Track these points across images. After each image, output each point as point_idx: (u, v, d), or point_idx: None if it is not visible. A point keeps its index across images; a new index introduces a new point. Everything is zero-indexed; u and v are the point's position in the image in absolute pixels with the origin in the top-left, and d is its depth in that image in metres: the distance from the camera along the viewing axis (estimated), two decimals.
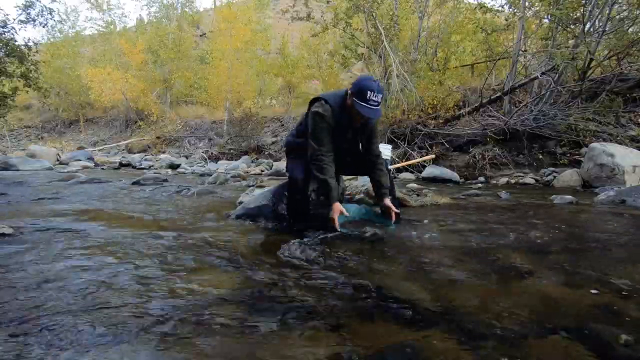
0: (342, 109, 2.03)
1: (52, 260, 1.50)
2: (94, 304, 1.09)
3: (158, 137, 14.84)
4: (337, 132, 2.06)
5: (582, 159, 5.83)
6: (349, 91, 1.99)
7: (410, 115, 8.39)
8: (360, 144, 2.23)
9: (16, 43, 9.87)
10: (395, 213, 2.15)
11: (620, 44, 6.79)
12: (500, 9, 8.57)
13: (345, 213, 2.04)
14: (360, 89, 1.90)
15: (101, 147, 15.19)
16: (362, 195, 3.03)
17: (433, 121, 8.22)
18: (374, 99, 1.89)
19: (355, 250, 1.74)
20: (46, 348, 0.85)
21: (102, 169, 8.84)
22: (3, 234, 1.84)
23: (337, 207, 1.99)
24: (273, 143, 12.16)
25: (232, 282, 1.32)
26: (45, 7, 10.27)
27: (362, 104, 1.90)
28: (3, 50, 9.60)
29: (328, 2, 10.83)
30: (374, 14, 8.71)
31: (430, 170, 6.61)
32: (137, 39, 19.24)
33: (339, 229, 1.97)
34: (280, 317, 1.05)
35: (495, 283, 1.32)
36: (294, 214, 2.26)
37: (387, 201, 2.14)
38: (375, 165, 2.20)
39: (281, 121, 13.64)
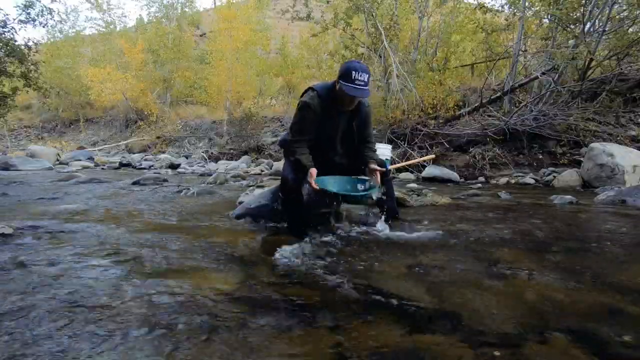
0: (329, 96, 2.06)
1: (52, 260, 1.50)
2: (93, 304, 1.09)
3: (158, 137, 14.84)
4: (325, 118, 2.09)
5: (582, 159, 5.82)
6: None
7: (410, 115, 8.39)
8: (355, 137, 2.21)
9: (16, 43, 9.85)
10: (381, 174, 2.09)
11: (620, 44, 6.79)
12: (500, 9, 8.58)
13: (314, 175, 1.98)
14: (345, 71, 1.93)
15: (101, 147, 15.20)
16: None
17: (433, 121, 8.21)
18: (359, 78, 1.90)
19: (354, 250, 1.74)
20: (44, 349, 0.85)
21: (102, 169, 8.85)
22: (3, 234, 1.84)
23: (312, 171, 1.99)
24: (273, 143, 12.15)
25: (231, 282, 1.32)
26: (45, 7, 10.24)
27: (348, 84, 1.91)
28: (3, 50, 9.58)
29: (328, 2, 10.81)
30: (373, 14, 8.71)
31: (430, 170, 6.61)
32: (137, 39, 19.24)
33: (316, 187, 1.94)
34: (280, 317, 1.05)
35: (495, 283, 1.32)
36: (288, 213, 2.25)
37: (373, 164, 2.11)
38: (365, 145, 2.21)
39: (281, 121, 13.63)
